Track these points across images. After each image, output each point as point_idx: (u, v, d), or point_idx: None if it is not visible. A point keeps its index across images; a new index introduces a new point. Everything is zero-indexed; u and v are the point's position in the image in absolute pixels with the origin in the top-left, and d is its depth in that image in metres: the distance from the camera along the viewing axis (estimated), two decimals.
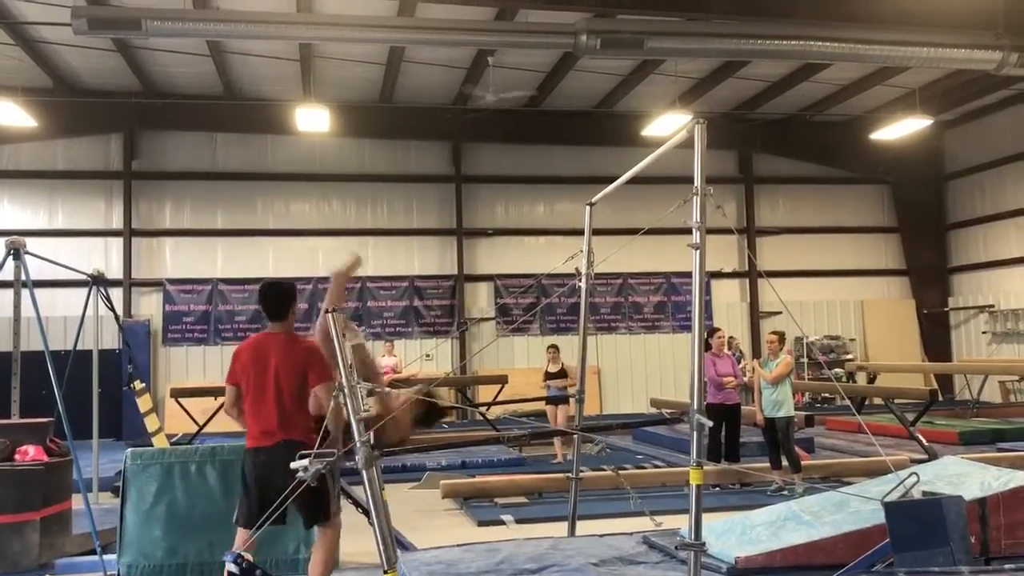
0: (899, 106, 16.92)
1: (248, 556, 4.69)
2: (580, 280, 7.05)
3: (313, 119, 15.21)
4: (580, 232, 7.16)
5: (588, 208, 7.14)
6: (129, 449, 6.32)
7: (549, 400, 11.95)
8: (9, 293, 7.50)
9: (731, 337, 17.43)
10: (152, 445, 9.00)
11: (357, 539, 6.00)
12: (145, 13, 10.82)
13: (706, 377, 9.44)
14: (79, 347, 8.91)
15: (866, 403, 14.51)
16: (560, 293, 16.73)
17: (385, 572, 4.02)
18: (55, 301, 14.63)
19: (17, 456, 6.46)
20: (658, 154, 5.75)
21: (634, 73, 15.58)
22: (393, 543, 4.19)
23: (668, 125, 15.13)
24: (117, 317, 9.89)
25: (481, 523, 8.30)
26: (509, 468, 11.25)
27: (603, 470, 10.03)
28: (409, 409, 5.41)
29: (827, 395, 18.16)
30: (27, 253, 7.29)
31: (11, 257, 7.20)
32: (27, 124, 14.64)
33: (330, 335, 4.58)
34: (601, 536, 6.92)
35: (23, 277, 7.23)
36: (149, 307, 17.50)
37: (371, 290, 18.18)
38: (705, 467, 4.63)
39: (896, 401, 12.12)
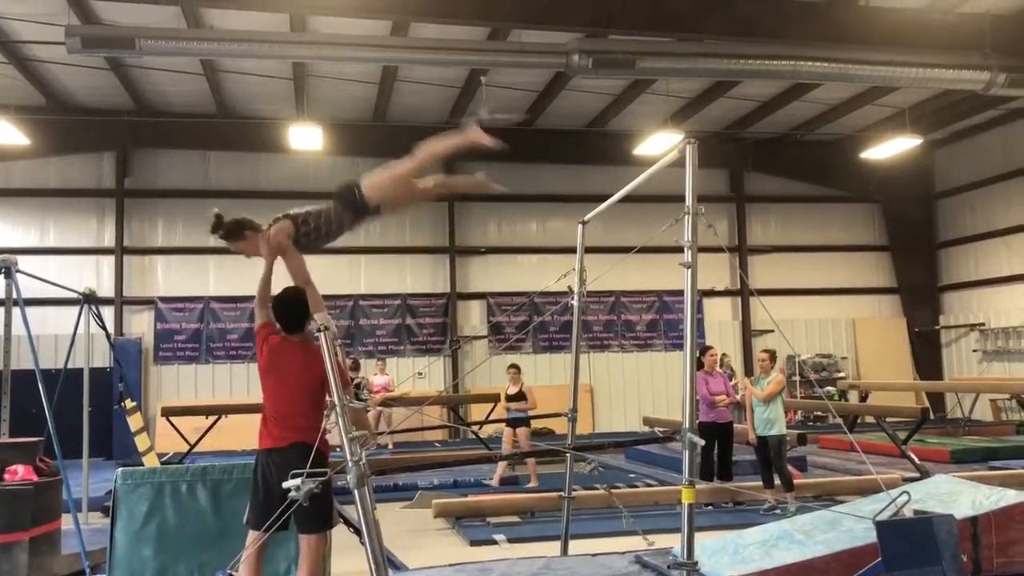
0: (889, 125, 17.05)
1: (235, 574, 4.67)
2: (572, 298, 7.06)
3: (306, 137, 15.25)
4: (573, 250, 7.17)
5: (580, 226, 7.16)
6: (119, 469, 6.28)
7: (509, 422, 11.74)
8: (0, 311, 7.47)
9: (723, 354, 17.47)
10: (143, 464, 8.95)
11: (349, 559, 5.97)
12: (138, 32, 10.87)
13: (698, 395, 9.45)
14: (70, 365, 8.88)
15: (858, 421, 14.49)
16: (553, 311, 16.75)
17: None
18: (46, 319, 14.59)
19: (6, 476, 6.41)
20: (650, 173, 5.78)
21: (626, 92, 15.68)
22: (385, 563, 4.18)
23: (660, 144, 15.22)
24: (108, 335, 9.85)
25: (473, 542, 8.26)
26: (502, 487, 11.21)
27: (596, 489, 10.01)
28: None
29: (819, 413, 18.17)
30: (18, 271, 7.27)
31: (2, 275, 7.18)
32: (19, 142, 14.64)
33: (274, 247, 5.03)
34: (594, 555, 6.89)
35: (14, 295, 7.21)
36: (141, 325, 17.45)
37: (363, 308, 18.16)
38: (697, 486, 4.62)
39: (888, 419, 12.12)
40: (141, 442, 9.67)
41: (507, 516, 9.19)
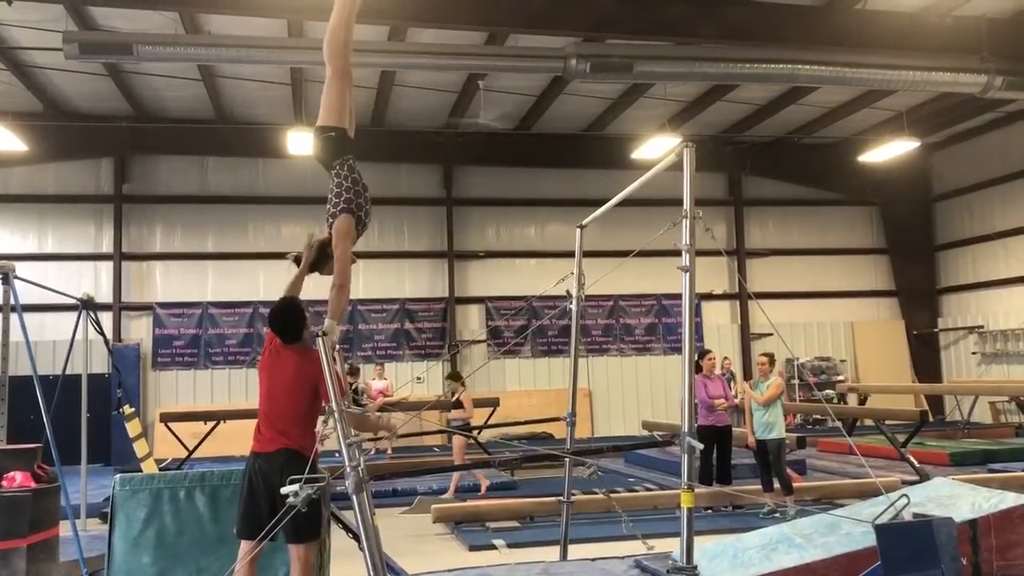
0: (886, 128, 17.07)
1: None
2: (571, 302, 7.06)
3: (304, 142, 15.22)
4: (571, 254, 7.18)
5: (579, 230, 7.17)
6: (117, 475, 6.27)
7: (452, 430, 11.64)
8: None
9: (724, 358, 17.48)
10: (141, 471, 8.93)
11: (348, 565, 5.96)
12: (136, 38, 10.89)
13: (697, 399, 9.44)
14: (68, 371, 8.86)
15: (857, 424, 14.51)
16: (551, 315, 16.73)
17: None
18: (44, 325, 14.58)
19: (4, 482, 6.39)
20: (647, 177, 5.79)
21: (623, 97, 15.69)
22: (384, 568, 4.17)
23: (658, 148, 15.22)
24: (107, 341, 9.84)
25: (473, 548, 8.25)
26: (501, 492, 11.20)
27: (595, 493, 10.01)
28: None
29: (818, 416, 18.16)
30: (16, 277, 7.27)
31: (0, 281, 7.17)
32: (17, 148, 14.62)
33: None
34: (593, 560, 6.89)
35: (12, 301, 7.20)
36: (139, 331, 17.43)
37: (362, 313, 18.15)
38: (697, 490, 4.62)
39: (887, 422, 12.13)
40: (139, 448, 9.66)
41: (506, 521, 9.18)
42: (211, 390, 17.37)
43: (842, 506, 8.10)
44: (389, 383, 15.81)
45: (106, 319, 16.06)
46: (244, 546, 4.94)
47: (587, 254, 7.17)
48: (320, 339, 4.42)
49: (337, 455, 4.35)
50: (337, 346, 4.74)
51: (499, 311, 18.66)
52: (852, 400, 16.92)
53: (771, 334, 18.14)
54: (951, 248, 19.95)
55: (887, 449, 11.85)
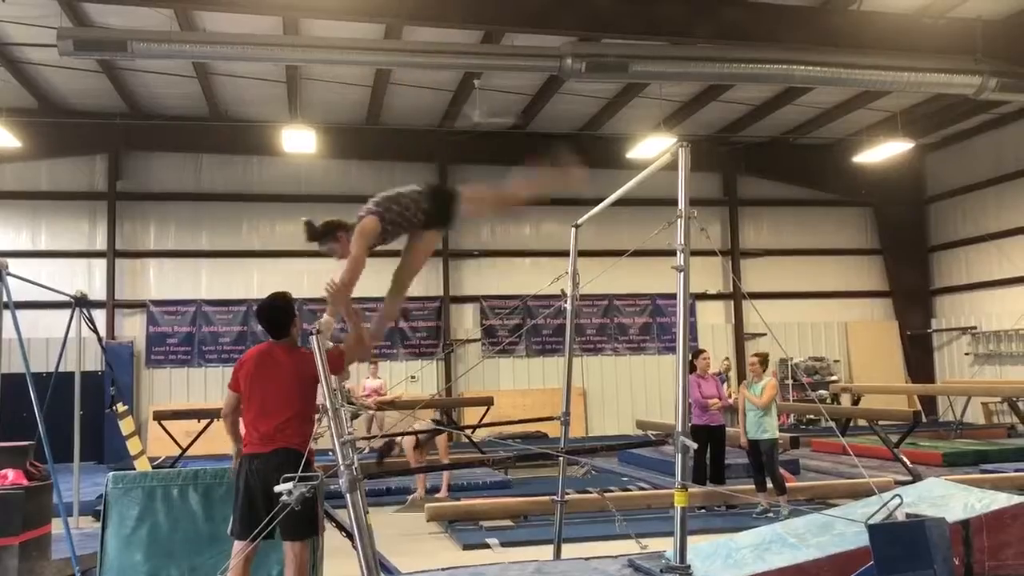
0: (881, 129, 17.11)
1: None
2: (566, 301, 7.07)
3: (299, 140, 15.23)
4: (566, 253, 7.18)
5: (574, 230, 7.17)
6: (111, 473, 6.25)
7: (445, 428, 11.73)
8: None
9: (724, 358, 17.50)
10: (134, 468, 8.92)
11: (341, 563, 5.95)
12: (131, 35, 10.85)
13: (691, 399, 9.46)
14: (61, 369, 8.83)
15: (851, 424, 14.54)
16: (546, 314, 16.75)
17: None
18: (37, 322, 14.49)
19: None
20: (642, 177, 5.80)
21: (619, 96, 15.70)
22: (377, 567, 4.17)
23: (653, 148, 15.23)
24: (100, 338, 9.82)
25: (466, 547, 8.24)
26: (495, 491, 11.20)
27: (589, 492, 10.01)
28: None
29: (812, 417, 18.19)
30: (9, 274, 7.24)
31: None
32: (11, 144, 14.57)
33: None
34: (587, 559, 6.89)
35: (5, 298, 7.18)
36: (133, 328, 17.39)
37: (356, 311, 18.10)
38: (690, 489, 4.63)
39: (880, 422, 12.16)
40: (133, 446, 9.65)
41: (500, 520, 9.18)
42: (205, 388, 17.33)
43: (835, 506, 8.12)
44: (383, 382, 15.79)
45: (99, 316, 16.04)
46: (238, 544, 4.94)
47: (582, 253, 7.18)
48: (313, 336, 4.42)
49: (331, 454, 4.34)
50: (330, 343, 4.75)
51: (494, 310, 18.66)
52: (846, 400, 16.94)
53: (765, 334, 18.17)
54: (945, 249, 20.00)
55: (880, 449, 11.89)
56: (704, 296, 19.21)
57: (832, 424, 11.63)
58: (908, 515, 4.62)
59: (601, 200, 6.71)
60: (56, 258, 16.93)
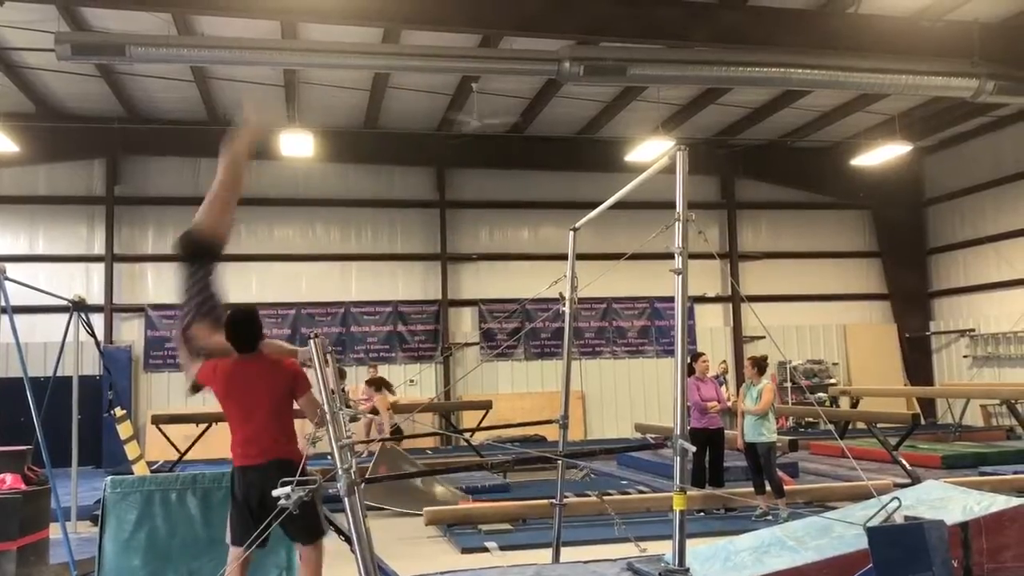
0: (879, 132, 17.13)
1: None
2: (564, 305, 7.06)
3: (297, 144, 15.23)
4: (564, 257, 7.18)
5: (572, 233, 7.17)
6: (109, 477, 6.24)
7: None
8: None
9: (722, 361, 17.50)
10: (132, 473, 8.91)
11: (340, 568, 5.93)
12: (129, 39, 10.86)
13: (690, 401, 9.46)
14: (59, 373, 8.83)
15: (849, 427, 14.53)
16: (544, 318, 16.71)
17: None
18: (35, 327, 14.49)
19: None
20: (640, 180, 5.79)
21: (617, 100, 15.71)
22: (376, 571, 4.16)
23: (651, 151, 15.24)
24: (98, 343, 9.81)
25: (465, 550, 8.24)
26: (493, 494, 11.18)
27: (587, 496, 9.99)
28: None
29: (810, 419, 18.19)
30: (7, 279, 7.24)
31: None
32: (9, 149, 14.58)
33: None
34: (585, 563, 6.88)
35: (3, 303, 7.18)
36: (131, 333, 17.37)
37: (355, 315, 18.13)
38: (689, 492, 4.62)
39: (879, 425, 12.15)
40: (131, 450, 9.63)
41: (499, 523, 9.17)
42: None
43: (834, 509, 8.11)
44: None
45: (97, 321, 16.01)
46: (234, 551, 4.95)
47: (580, 257, 7.17)
48: (312, 342, 4.42)
49: (328, 458, 4.34)
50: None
51: (492, 313, 18.65)
52: (844, 403, 16.93)
53: (764, 337, 18.18)
54: (943, 252, 20.00)
55: (879, 452, 11.88)
56: (703, 299, 19.20)
57: (831, 427, 11.64)
58: (907, 518, 4.62)
59: (599, 203, 6.71)
60: (54, 262, 16.92)
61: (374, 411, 14.54)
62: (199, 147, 17.19)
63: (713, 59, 11.89)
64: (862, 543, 5.03)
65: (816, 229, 20.34)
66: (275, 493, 4.16)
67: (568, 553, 7.18)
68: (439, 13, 11.32)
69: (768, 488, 9.31)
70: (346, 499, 4.09)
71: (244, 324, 5.18)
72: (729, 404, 11.24)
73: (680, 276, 4.76)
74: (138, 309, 17.38)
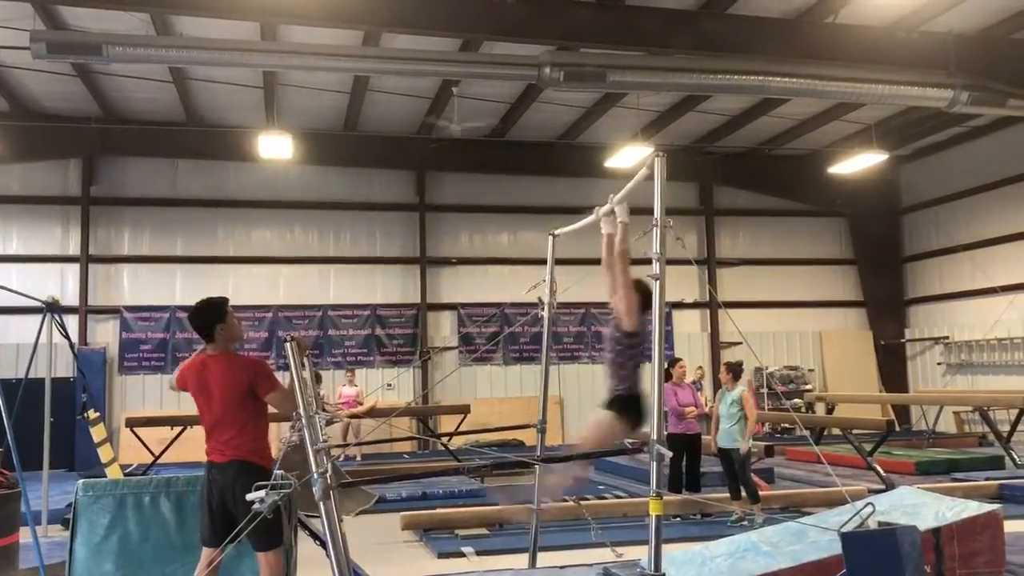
0: (856, 141, 17.29)
1: None
2: (543, 309, 7.06)
3: (276, 146, 15.15)
4: (543, 261, 7.18)
5: (551, 238, 7.17)
6: (80, 480, 6.17)
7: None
8: None
9: (698, 367, 17.55)
10: (106, 476, 8.81)
11: (314, 572, 5.90)
12: (106, 38, 10.73)
13: (667, 407, 9.48)
14: (31, 375, 8.72)
15: (825, 433, 14.63)
16: (523, 322, 16.73)
17: None
18: (8, 328, 14.37)
19: None
20: (627, 190, 5.74)
21: (597, 105, 15.76)
22: None
23: (630, 157, 15.30)
24: (72, 344, 9.70)
25: (441, 555, 8.21)
26: (470, 499, 11.15)
27: (564, 501, 9.99)
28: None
29: (786, 425, 18.29)
30: None
31: None
32: None
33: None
34: (561, 568, 6.88)
35: None
36: (105, 334, 17.20)
37: (332, 319, 18.05)
38: (665, 497, 4.63)
39: (854, 431, 12.24)
40: (104, 453, 9.53)
41: (475, 528, 9.15)
42: (178, 395, 16.94)
43: (809, 514, 8.15)
44: (360, 389, 15.72)
45: (72, 322, 15.85)
46: (206, 554, 4.92)
47: (559, 262, 7.17)
48: (288, 344, 4.39)
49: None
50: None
51: (471, 318, 18.64)
52: (820, 409, 17.07)
53: (740, 343, 18.27)
54: (918, 260, 20.22)
55: (854, 458, 11.97)
56: (680, 305, 19.28)
57: (806, 433, 11.70)
58: (880, 523, 4.66)
59: (580, 208, 6.71)
60: (28, 263, 16.74)
61: (353, 416, 14.51)
62: (176, 148, 17.15)
63: (692, 66, 11.93)
64: (836, 548, 5.07)
65: (793, 236, 20.49)
66: (249, 497, 4.13)
67: (544, 558, 7.17)
68: (420, 17, 11.29)
69: (744, 494, 9.35)
70: (321, 503, 4.06)
71: (195, 314, 5.13)
72: (706, 409, 11.28)
73: (658, 282, 4.76)
74: (113, 311, 17.22)
